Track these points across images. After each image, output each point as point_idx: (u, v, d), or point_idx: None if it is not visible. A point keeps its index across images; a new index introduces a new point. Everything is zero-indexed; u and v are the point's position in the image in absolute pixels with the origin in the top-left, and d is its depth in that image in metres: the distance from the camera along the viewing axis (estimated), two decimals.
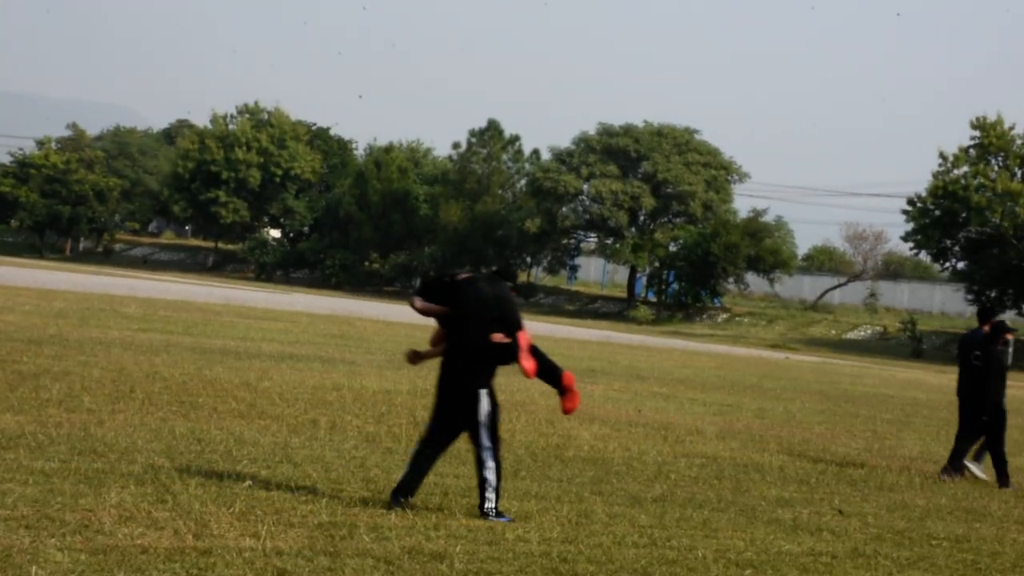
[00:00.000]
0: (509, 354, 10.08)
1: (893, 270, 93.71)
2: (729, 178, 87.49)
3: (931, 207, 70.36)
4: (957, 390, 16.44)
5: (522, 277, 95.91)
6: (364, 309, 54.98)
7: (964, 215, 69.25)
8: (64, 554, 7.65)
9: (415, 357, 10.56)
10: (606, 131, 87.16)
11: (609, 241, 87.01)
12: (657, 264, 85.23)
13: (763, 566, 9.28)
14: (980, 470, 15.99)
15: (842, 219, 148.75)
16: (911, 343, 70.44)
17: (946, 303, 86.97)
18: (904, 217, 72.27)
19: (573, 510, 10.61)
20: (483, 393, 10.02)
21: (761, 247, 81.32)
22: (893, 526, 11.59)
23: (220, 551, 8.05)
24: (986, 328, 16.27)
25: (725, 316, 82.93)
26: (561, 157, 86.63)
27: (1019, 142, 69.83)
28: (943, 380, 44.27)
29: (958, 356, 16.54)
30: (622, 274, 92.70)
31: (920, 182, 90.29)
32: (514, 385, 22.08)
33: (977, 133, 70.35)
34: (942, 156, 70.73)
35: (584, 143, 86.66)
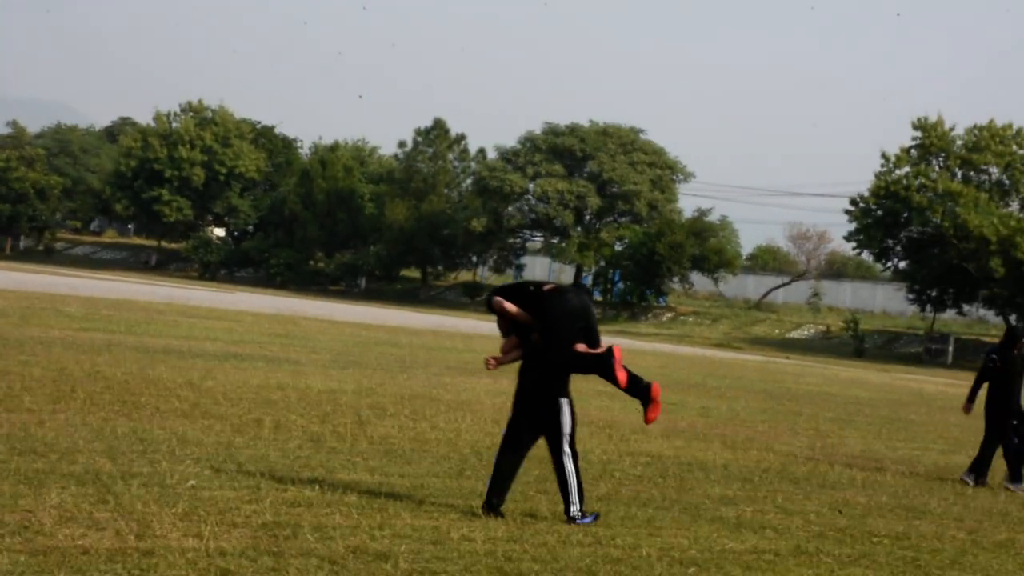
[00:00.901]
0: (602, 364, 10.34)
1: (836, 270, 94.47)
2: (674, 178, 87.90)
3: (873, 207, 70.97)
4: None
5: (467, 276, 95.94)
6: (309, 308, 54.77)
7: (906, 215, 69.90)
8: (3, 555, 7.57)
9: (494, 363, 10.73)
10: (552, 131, 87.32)
11: (555, 240, 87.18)
12: (603, 263, 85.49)
13: (707, 564, 9.33)
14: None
15: (786, 219, 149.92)
16: (853, 342, 71.03)
17: (888, 302, 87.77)
18: (847, 217, 72.88)
19: (518, 509, 10.61)
20: (564, 402, 10.31)
21: (706, 246, 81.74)
22: (835, 524, 11.67)
23: (163, 552, 8.00)
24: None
25: (670, 315, 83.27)
26: (507, 156, 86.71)
27: (959, 143, 70.57)
28: (885, 379, 44.68)
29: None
30: (568, 273, 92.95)
31: (863, 182, 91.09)
32: (460, 385, 22.07)
33: (919, 134, 71.04)
34: (884, 157, 71.40)
35: (530, 142, 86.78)
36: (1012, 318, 68.07)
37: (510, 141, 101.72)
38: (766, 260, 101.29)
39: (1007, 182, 70.15)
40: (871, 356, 68.18)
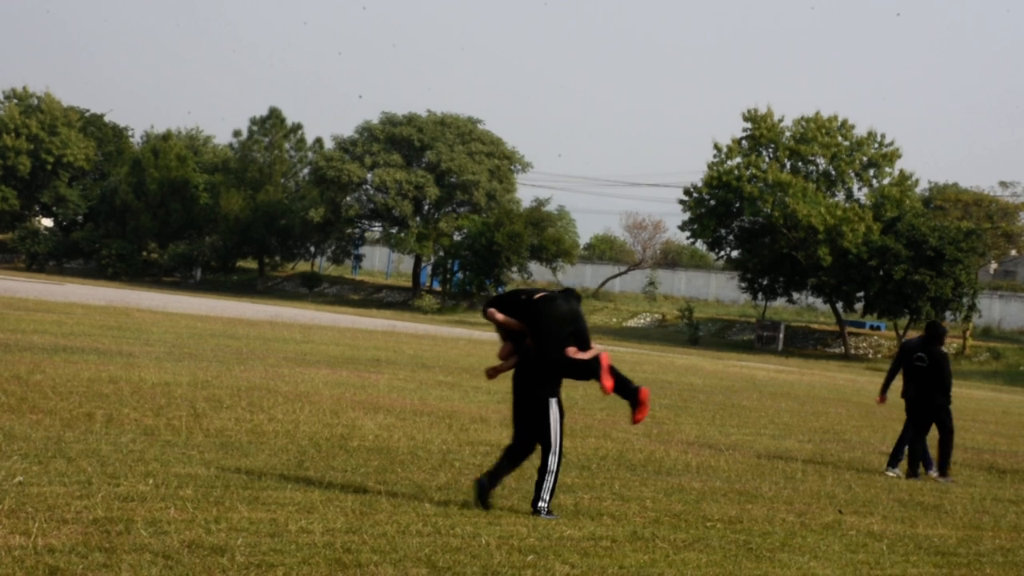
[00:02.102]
0: (590, 371, 10.95)
1: (671, 259, 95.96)
2: (512, 168, 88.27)
3: (706, 197, 72.17)
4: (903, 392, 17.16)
5: (305, 267, 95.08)
6: (142, 300, 53.71)
7: (737, 205, 71.26)
8: None
9: (493, 372, 11.41)
10: (389, 120, 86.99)
11: (394, 231, 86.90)
12: (442, 253, 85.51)
13: (545, 551, 9.40)
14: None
15: (623, 209, 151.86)
16: (688, 330, 72.24)
17: (721, 291, 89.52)
18: (681, 207, 74.02)
19: (357, 500, 10.56)
20: (553, 401, 10.93)
21: (544, 236, 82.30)
22: (670, 509, 11.86)
23: None
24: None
25: None
26: (344, 146, 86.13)
27: (788, 134, 72.17)
28: (719, 366, 45.54)
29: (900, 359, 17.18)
30: (407, 263, 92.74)
31: (697, 172, 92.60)
32: (298, 377, 21.88)
33: (749, 125, 72.45)
34: (716, 147, 72.66)
35: (368, 132, 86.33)
36: (839, 306, 69.93)
37: (347, 131, 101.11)
38: (603, 250, 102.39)
39: (833, 173, 71.97)
40: (705, 344, 69.45)
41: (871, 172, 71.91)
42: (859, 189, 72.50)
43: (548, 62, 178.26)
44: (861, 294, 67.90)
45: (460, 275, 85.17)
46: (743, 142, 72.47)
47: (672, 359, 48.04)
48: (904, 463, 16.93)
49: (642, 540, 10.25)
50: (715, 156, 72.63)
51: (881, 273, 64.67)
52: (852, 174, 71.87)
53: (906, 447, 16.88)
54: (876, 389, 41.66)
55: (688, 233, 74.90)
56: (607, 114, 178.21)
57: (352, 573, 8.25)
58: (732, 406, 25.67)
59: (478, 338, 49.28)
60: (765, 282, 71.98)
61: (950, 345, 67.54)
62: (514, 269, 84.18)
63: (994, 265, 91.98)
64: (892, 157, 71.35)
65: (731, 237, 73.40)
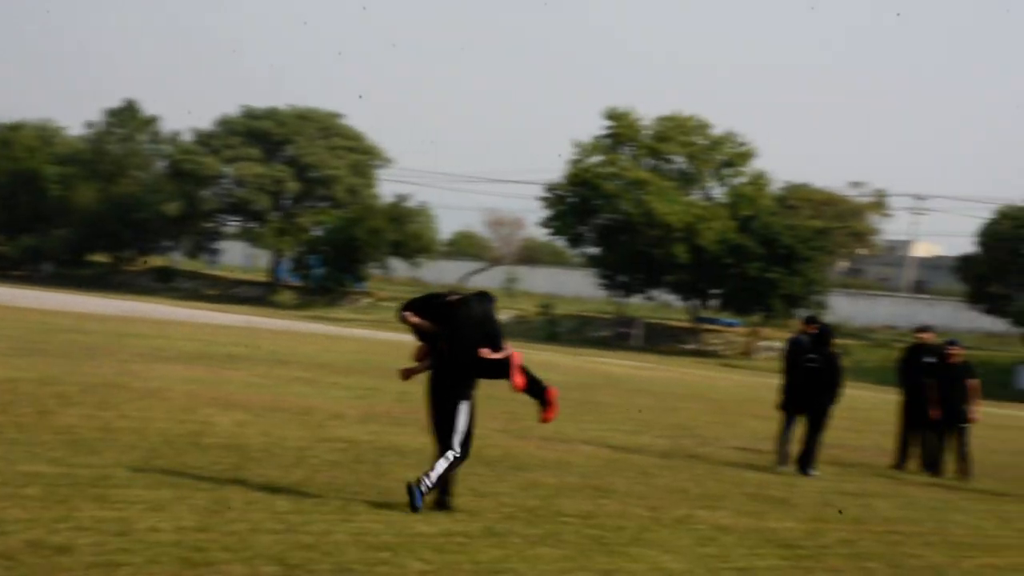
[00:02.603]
0: (502, 370, 11.19)
1: (531, 256, 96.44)
2: (373, 163, 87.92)
3: (567, 194, 72.66)
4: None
5: (160, 261, 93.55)
6: None
7: (597, 202, 71.85)
8: None
9: (407, 373, 11.64)
10: (249, 113, 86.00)
11: (252, 225, 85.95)
12: (301, 248, 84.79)
13: (399, 548, 9.38)
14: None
15: (483, 205, 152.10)
16: (547, 326, 72.65)
17: (580, 287, 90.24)
18: (541, 204, 74.42)
19: (209, 498, 10.42)
20: (464, 404, 11.15)
21: (405, 232, 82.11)
22: (525, 505, 11.92)
23: None
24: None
25: (369, 300, 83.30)
26: (202, 139, 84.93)
27: (647, 133, 72.99)
28: (577, 362, 45.90)
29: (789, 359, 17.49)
30: (266, 259, 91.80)
31: (558, 170, 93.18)
32: (151, 373, 21.52)
33: (610, 123, 73.10)
34: (577, 145, 73.20)
35: (226, 125, 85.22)
36: (695, 303, 70.95)
37: (205, 124, 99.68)
38: (464, 246, 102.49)
39: (691, 171, 72.99)
40: (564, 340, 69.91)
41: (727, 171, 73.10)
42: (716, 188, 73.68)
43: (408, 58, 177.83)
44: (716, 291, 69.00)
45: (320, 270, 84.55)
46: (604, 140, 73.10)
47: (531, 355, 48.21)
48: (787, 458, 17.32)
49: (496, 536, 10.29)
50: (576, 154, 73.16)
51: (736, 270, 65.76)
52: (709, 173, 73.00)
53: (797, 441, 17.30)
54: (730, 385, 42.34)
55: (548, 230, 75.36)
56: (469, 110, 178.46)
57: (201, 572, 8.14)
58: (589, 402, 25.89)
59: (337, 334, 48.98)
60: (623, 279, 72.72)
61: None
62: (374, 265, 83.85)
63: (843, 264, 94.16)
64: (747, 156, 72.63)
65: (591, 234, 74.00)
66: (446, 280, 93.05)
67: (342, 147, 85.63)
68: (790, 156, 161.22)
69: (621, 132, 72.49)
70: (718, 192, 73.41)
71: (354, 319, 73.11)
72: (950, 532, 13.36)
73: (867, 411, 33.06)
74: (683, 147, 72.17)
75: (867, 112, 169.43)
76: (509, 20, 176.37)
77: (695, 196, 72.67)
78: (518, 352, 11.46)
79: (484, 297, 11.62)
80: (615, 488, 13.69)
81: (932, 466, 19.18)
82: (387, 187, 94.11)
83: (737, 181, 72.94)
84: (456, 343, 11.14)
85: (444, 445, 11.09)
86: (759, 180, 72.63)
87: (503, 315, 79.17)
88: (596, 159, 72.66)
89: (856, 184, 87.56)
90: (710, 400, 31.38)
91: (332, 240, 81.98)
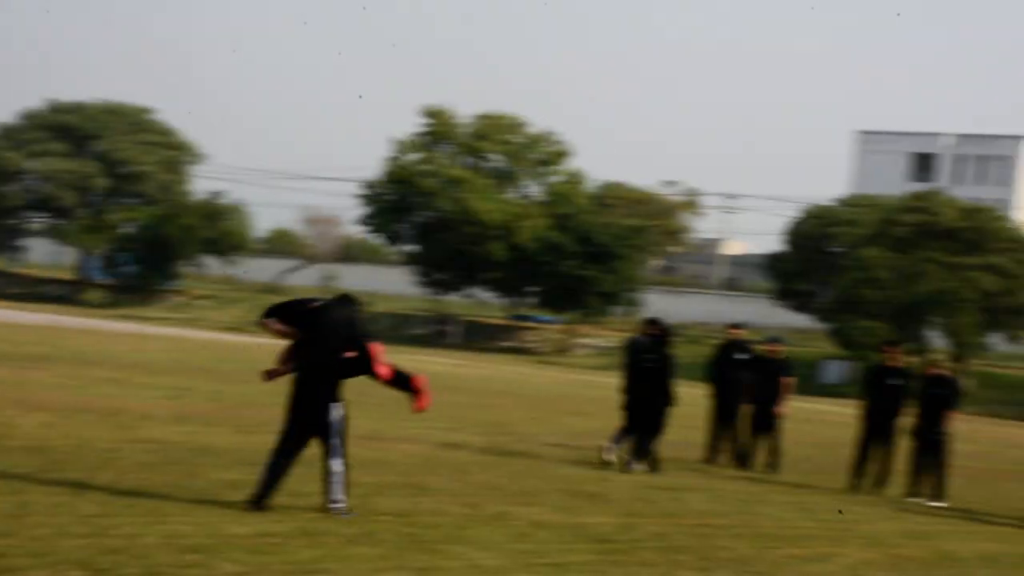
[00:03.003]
0: (364, 364, 11.32)
1: (349, 253, 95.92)
2: (186, 159, 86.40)
3: (385, 192, 72.49)
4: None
5: None
6: None
7: (415, 200, 71.84)
8: None
9: (270, 374, 11.67)
10: (55, 107, 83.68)
11: (59, 222, 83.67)
12: (111, 246, 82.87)
13: (210, 550, 9.23)
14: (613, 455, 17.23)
15: (300, 202, 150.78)
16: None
17: (398, 285, 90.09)
18: (359, 201, 74.10)
19: (11, 502, 10.11)
20: (335, 406, 11.29)
21: (219, 229, 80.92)
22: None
23: None
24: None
25: (181, 299, 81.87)
26: (6, 133, 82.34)
27: (465, 131, 73.24)
28: (395, 360, 45.82)
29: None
30: (73, 256, 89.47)
31: (375, 167, 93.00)
32: None
33: (427, 121, 73.15)
34: (395, 143, 73.06)
35: (31, 119, 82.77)
36: (512, 300, 71.44)
37: (7, 117, 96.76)
38: (280, 243, 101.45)
39: (508, 170, 73.45)
40: (383, 338, 68.94)
41: (544, 169, 73.77)
42: (533, 186, 74.28)
43: (221, 51, 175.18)
44: (533, 289, 69.61)
45: (130, 268, 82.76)
46: (421, 138, 73.12)
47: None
48: (623, 452, 17.52)
49: (311, 535, 10.20)
50: (394, 151, 73.02)
51: (552, 268, 66.41)
52: (526, 171, 73.57)
53: (631, 437, 17.52)
54: (546, 382, 42.76)
55: (366, 227, 75.07)
56: (284, 107, 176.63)
57: None
58: (406, 400, 25.84)
59: (149, 333, 48.02)
60: (441, 277, 72.85)
61: (617, 339, 70.00)
62: (188, 262, 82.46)
63: (657, 261, 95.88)
64: (564, 155, 73.39)
65: (409, 232, 73.96)
66: (261, 279, 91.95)
67: (153, 143, 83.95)
68: (604, 155, 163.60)
69: (438, 130, 72.61)
70: (535, 191, 74.04)
71: (166, 318, 71.74)
72: (757, 524, 13.70)
73: (679, 407, 33.67)
74: (500, 145, 72.62)
75: (679, 112, 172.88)
76: (325, 16, 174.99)
77: (512, 194, 73.16)
78: (378, 344, 11.52)
79: (347, 300, 11.66)
80: (431, 486, 13.70)
81: (742, 460, 19.63)
82: (200, 183, 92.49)
83: (553, 180, 73.65)
84: (320, 348, 11.20)
85: (325, 451, 11.27)
86: (575, 179, 73.47)
87: None
88: (414, 157, 72.62)
89: (669, 183, 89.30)
90: (526, 397, 31.65)
91: (143, 237, 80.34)
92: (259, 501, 11.07)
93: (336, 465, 11.27)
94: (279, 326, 11.37)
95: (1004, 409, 54.67)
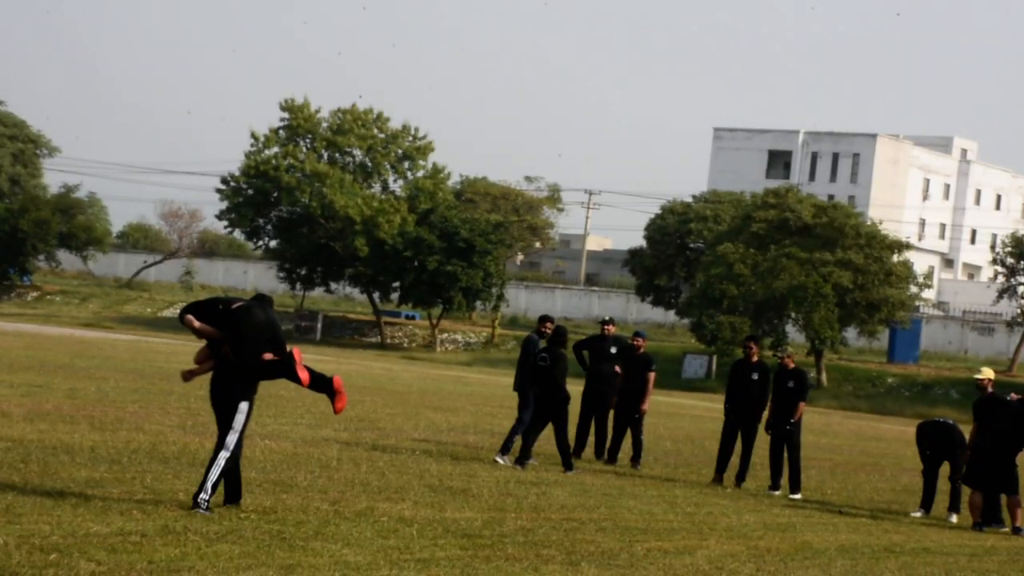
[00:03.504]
0: (287, 368, 11.47)
1: (208, 248, 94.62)
2: (38, 152, 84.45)
3: (244, 186, 71.64)
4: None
5: None
6: None
7: (276, 195, 71.14)
8: None
9: (189, 375, 11.74)
10: None
11: None
12: None
13: (69, 549, 9.03)
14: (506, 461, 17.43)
15: (157, 196, 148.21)
16: None
17: (259, 280, 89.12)
18: (218, 196, 73.14)
19: None
20: (245, 405, 11.40)
21: (74, 224, 79.29)
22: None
23: None
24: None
25: (36, 294, 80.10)
26: None
27: (325, 125, 72.70)
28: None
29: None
30: None
31: (234, 161, 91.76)
32: None
33: (287, 115, 72.44)
34: (254, 136, 72.20)
35: None
36: (376, 296, 71.12)
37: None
38: (137, 238, 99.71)
39: (370, 164, 73.08)
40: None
41: (406, 165, 73.53)
42: (395, 181, 74.05)
43: (73, 41, 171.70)
44: (397, 284, 69.38)
45: None
46: (281, 132, 72.40)
47: None
48: (515, 452, 17.64)
49: (173, 534, 10.03)
50: (253, 145, 72.19)
51: (416, 264, 66.27)
52: (388, 166, 73.27)
53: (516, 436, 17.68)
54: (411, 377, 42.67)
55: (225, 222, 74.15)
56: (140, 100, 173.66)
57: None
58: (269, 396, 25.53)
59: (3, 329, 46.85)
60: (303, 272, 72.27)
61: (481, 334, 70.21)
62: (41, 257, 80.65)
63: (520, 257, 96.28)
64: (426, 150, 73.23)
65: (269, 227, 73.22)
66: (118, 274, 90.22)
67: (3, 135, 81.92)
68: (466, 151, 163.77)
69: (298, 124, 71.94)
70: (397, 185, 73.82)
71: (20, 314, 70.07)
72: (623, 518, 13.82)
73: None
74: (361, 140, 72.21)
75: (541, 109, 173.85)
76: (187, 11, 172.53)
77: (374, 189, 72.84)
78: (297, 348, 11.72)
79: (265, 301, 11.83)
80: (296, 482, 13.56)
81: (609, 453, 19.75)
82: (54, 177, 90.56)
83: (416, 175, 73.47)
84: (241, 348, 11.33)
85: (219, 444, 11.29)
86: (437, 174, 73.38)
87: (179, 309, 77.48)
88: (273, 151, 71.85)
89: (531, 179, 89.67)
90: (391, 392, 31.53)
91: None
92: (233, 501, 11.42)
93: (220, 460, 11.22)
94: (199, 324, 11.43)
95: (859, 402, 55.95)
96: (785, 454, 18.28)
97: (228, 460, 11.27)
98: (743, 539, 13.30)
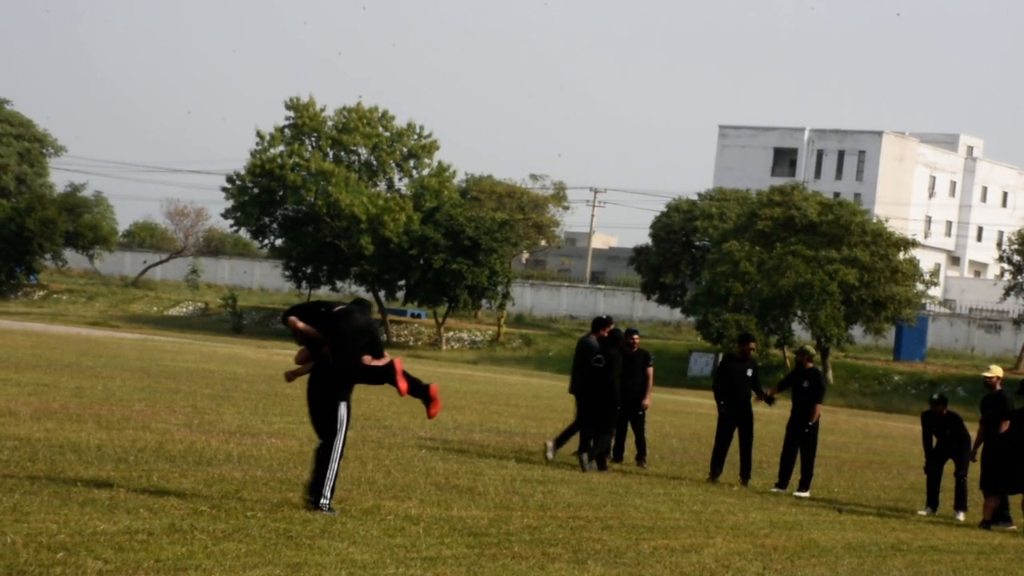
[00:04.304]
0: (387, 375, 12.00)
1: (214, 247, 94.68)
2: (44, 151, 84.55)
3: (250, 185, 71.67)
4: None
5: None
6: None
7: (281, 193, 71.16)
8: None
9: (292, 375, 12.28)
10: None
11: None
12: None
13: (76, 548, 9.04)
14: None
15: (163, 195, 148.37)
16: (232, 319, 71.54)
17: (265, 279, 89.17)
18: (224, 194, 73.18)
19: None
20: (343, 405, 11.87)
21: (80, 223, 79.35)
22: (210, 499, 11.68)
23: None
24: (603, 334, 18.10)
25: (42, 293, 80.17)
26: None
27: (330, 124, 72.70)
28: (262, 354, 45.36)
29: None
30: None
31: (240, 160, 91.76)
32: None
33: (292, 114, 72.45)
34: (259, 135, 72.23)
35: None
36: (381, 294, 71.11)
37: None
38: (143, 237, 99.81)
39: (375, 163, 73.09)
40: (249, 332, 68.97)
41: (411, 163, 73.53)
42: (400, 179, 74.04)
43: (79, 41, 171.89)
44: (402, 283, 69.37)
45: None
46: (286, 131, 72.41)
47: (215, 348, 47.45)
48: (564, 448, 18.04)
49: (180, 532, 10.04)
50: (258, 144, 72.22)
51: (421, 262, 66.26)
52: (393, 165, 73.26)
53: (574, 435, 18.03)
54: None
55: (231, 221, 74.18)
56: (146, 99, 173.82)
57: None
58: (275, 394, 25.59)
59: (8, 328, 46.92)
60: (309, 270, 72.27)
61: (487, 333, 70.21)
62: (48, 256, 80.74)
63: (526, 255, 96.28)
64: (431, 149, 73.22)
65: (275, 225, 73.24)
66: (124, 272, 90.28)
67: (9, 134, 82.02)
68: (471, 149, 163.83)
69: (304, 123, 71.94)
70: (402, 184, 73.81)
71: (27, 312, 70.15)
72: (629, 516, 13.81)
73: (550, 399, 33.85)
74: (366, 139, 72.20)
75: (547, 107, 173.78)
76: (189, 11, 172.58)
77: (380, 188, 72.84)
78: (399, 359, 12.20)
79: (364, 306, 12.36)
80: (302, 481, 13.53)
81: (614, 452, 19.72)
82: (60, 176, 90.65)
83: (421, 173, 73.46)
84: (341, 351, 11.80)
85: (327, 447, 11.74)
86: (443, 172, 73.37)
87: (186, 308, 77.52)
88: (279, 150, 71.87)
89: (536, 177, 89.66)
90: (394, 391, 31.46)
91: (1, 231, 78.38)
92: (315, 500, 11.69)
93: (332, 462, 11.68)
94: (303, 325, 11.90)
95: (865, 400, 55.87)
96: (802, 453, 18.24)
97: (338, 459, 11.76)
98: (750, 537, 13.29)
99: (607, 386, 17.79)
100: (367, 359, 11.95)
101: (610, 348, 18.05)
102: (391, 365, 12.04)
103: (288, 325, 12.01)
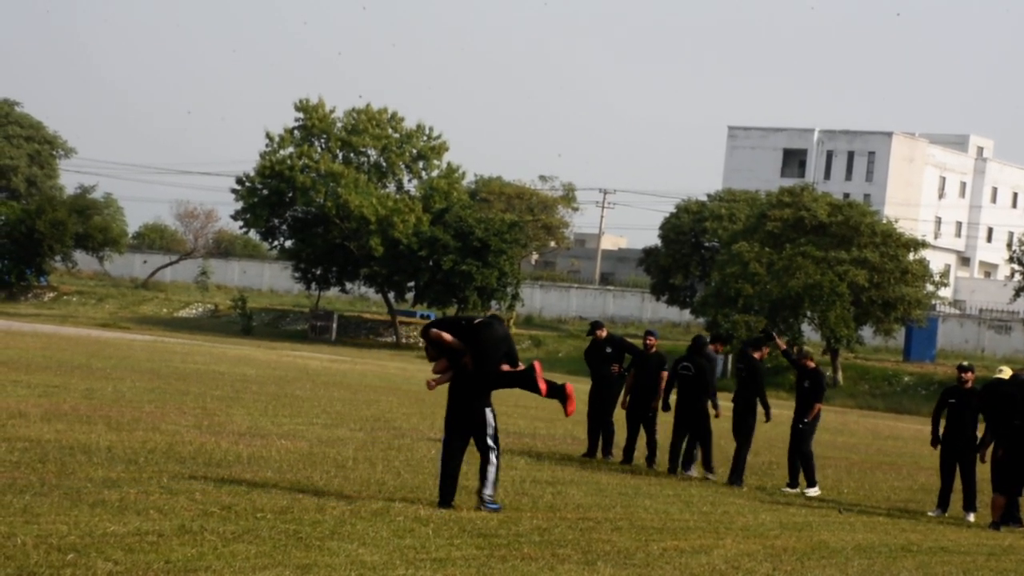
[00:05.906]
0: (527, 379, 13.00)
1: (224, 248, 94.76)
2: (54, 153, 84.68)
3: (259, 186, 71.70)
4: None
5: None
6: None
7: (291, 195, 71.18)
8: None
9: (434, 384, 13.29)
10: None
11: None
12: None
13: (87, 549, 9.05)
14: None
15: (173, 197, 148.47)
16: (241, 320, 71.59)
17: (275, 280, 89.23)
18: (233, 196, 73.22)
19: None
20: (488, 410, 12.92)
21: (90, 224, 79.44)
22: (220, 501, 11.69)
23: None
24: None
25: (52, 295, 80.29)
26: None
27: (339, 125, 72.71)
28: (272, 356, 45.37)
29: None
30: None
31: (249, 161, 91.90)
32: None
33: (301, 115, 72.48)
34: (269, 136, 72.28)
35: None
36: (391, 296, 71.14)
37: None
38: (153, 238, 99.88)
39: (384, 164, 73.09)
40: (259, 334, 69.01)
41: (421, 164, 73.53)
42: (409, 181, 74.01)
43: (88, 44, 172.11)
44: (412, 284, 69.37)
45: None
46: (295, 132, 72.45)
47: (224, 349, 47.47)
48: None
49: (190, 533, 10.05)
50: (267, 145, 72.26)
51: (431, 263, 66.27)
52: (402, 166, 73.26)
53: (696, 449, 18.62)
54: (426, 377, 42.71)
55: (241, 223, 74.23)
56: (155, 101, 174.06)
57: None
58: (285, 396, 25.63)
59: (18, 329, 47.01)
60: (319, 272, 72.29)
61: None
62: (58, 258, 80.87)
63: (535, 256, 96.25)
64: (440, 150, 73.22)
65: (284, 227, 73.26)
66: (134, 273, 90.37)
67: (19, 136, 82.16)
68: (480, 151, 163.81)
69: (313, 124, 71.97)
70: (412, 185, 73.82)
71: (37, 314, 70.28)
72: (638, 517, 13.80)
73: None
74: (376, 140, 72.22)
75: (555, 108, 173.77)
76: (191, 9, 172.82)
77: (389, 189, 72.86)
78: (538, 361, 13.25)
79: (500, 320, 13.53)
80: (312, 482, 13.58)
81: (624, 453, 19.70)
82: (70, 178, 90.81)
83: (430, 174, 73.46)
84: (483, 360, 12.82)
85: (483, 448, 12.83)
86: (452, 174, 73.37)
87: (196, 309, 77.62)
88: (288, 151, 71.90)
89: (545, 178, 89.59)
90: (406, 392, 31.54)
91: (11, 233, 78.51)
92: (446, 502, 12.68)
93: (492, 460, 12.80)
94: (448, 336, 12.86)
95: (875, 401, 55.78)
96: (798, 450, 18.34)
97: (497, 456, 12.86)
98: (759, 538, 13.28)
99: (694, 393, 18.43)
100: (505, 367, 13.00)
101: (696, 356, 18.63)
102: (531, 368, 13.05)
103: (430, 338, 12.96)
